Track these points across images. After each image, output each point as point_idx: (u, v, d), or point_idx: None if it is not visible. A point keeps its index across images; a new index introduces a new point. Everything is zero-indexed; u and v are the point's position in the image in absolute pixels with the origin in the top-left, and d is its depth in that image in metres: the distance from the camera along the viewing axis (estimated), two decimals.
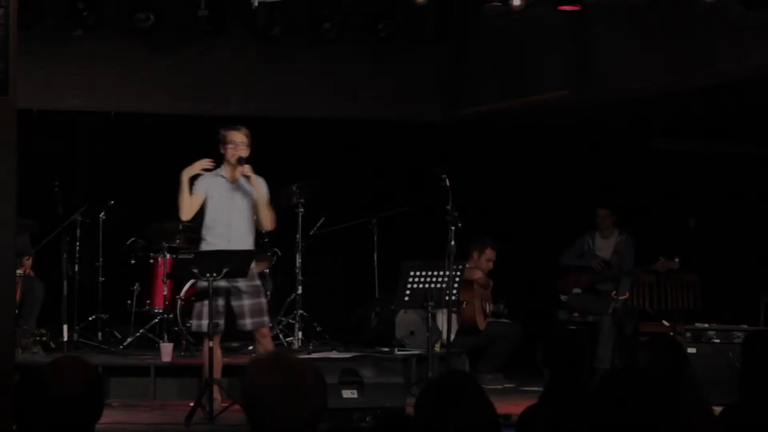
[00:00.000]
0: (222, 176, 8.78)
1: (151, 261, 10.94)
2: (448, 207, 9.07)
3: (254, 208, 8.75)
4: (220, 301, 8.67)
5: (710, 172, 13.19)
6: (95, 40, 11.26)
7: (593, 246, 11.79)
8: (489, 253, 11.52)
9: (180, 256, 10.19)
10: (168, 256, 10.80)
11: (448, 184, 9.09)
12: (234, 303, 8.71)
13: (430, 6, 10.89)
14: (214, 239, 8.74)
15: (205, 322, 8.64)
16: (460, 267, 9.38)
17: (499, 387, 10.99)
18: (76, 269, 10.91)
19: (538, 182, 12.75)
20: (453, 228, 9.03)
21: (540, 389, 5.48)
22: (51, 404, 3.42)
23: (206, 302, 8.60)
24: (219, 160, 8.87)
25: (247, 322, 8.71)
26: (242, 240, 8.71)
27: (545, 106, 11.42)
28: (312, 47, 11.75)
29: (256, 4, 9.73)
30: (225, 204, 8.72)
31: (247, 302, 8.69)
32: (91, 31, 11.15)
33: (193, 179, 8.80)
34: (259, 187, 8.65)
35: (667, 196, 13.02)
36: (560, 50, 10.87)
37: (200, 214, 8.70)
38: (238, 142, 8.72)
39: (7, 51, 6.11)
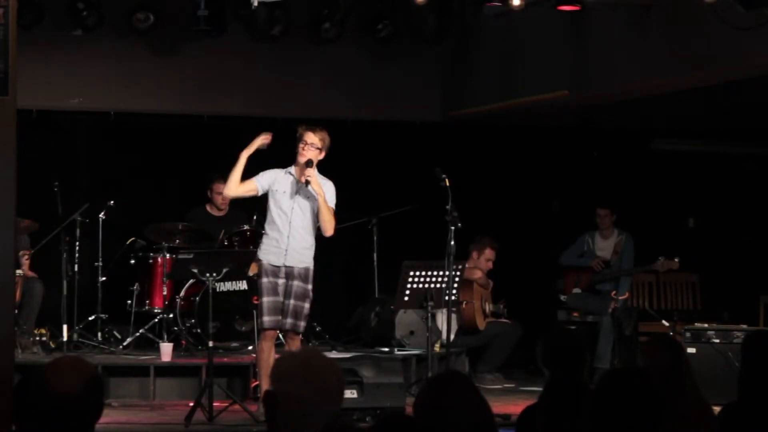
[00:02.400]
0: (291, 173, 8.75)
1: (151, 261, 10.94)
2: (448, 207, 9.08)
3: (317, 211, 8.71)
4: (279, 298, 8.64)
5: (710, 172, 13.19)
6: (95, 40, 11.26)
7: (593, 246, 11.79)
8: (488, 253, 11.53)
9: (180, 256, 10.18)
10: (168, 256, 10.80)
11: (447, 184, 9.10)
12: (285, 301, 8.64)
13: (430, 6, 10.88)
14: (274, 233, 8.69)
15: (266, 318, 8.61)
16: (460, 267, 9.39)
17: (499, 387, 11.00)
18: (76, 269, 10.90)
19: (538, 182, 12.75)
20: (453, 228, 9.04)
21: (540, 389, 5.48)
22: (51, 404, 3.42)
23: (265, 299, 8.59)
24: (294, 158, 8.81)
25: (287, 322, 8.64)
26: (301, 238, 8.67)
27: (545, 106, 11.42)
28: (312, 47, 11.75)
29: (256, 4, 9.72)
30: (288, 201, 8.69)
31: (292, 302, 8.63)
32: (91, 31, 11.15)
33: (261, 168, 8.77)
34: (321, 191, 8.61)
35: (667, 196, 13.02)
36: (560, 50, 10.87)
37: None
38: (308, 143, 8.69)
39: (7, 51, 6.10)
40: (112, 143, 11.85)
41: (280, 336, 8.96)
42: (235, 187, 8.72)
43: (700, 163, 13.20)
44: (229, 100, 11.83)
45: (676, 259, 11.33)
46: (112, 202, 10.88)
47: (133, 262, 10.97)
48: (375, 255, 11.72)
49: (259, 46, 11.64)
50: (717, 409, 4.80)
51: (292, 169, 8.77)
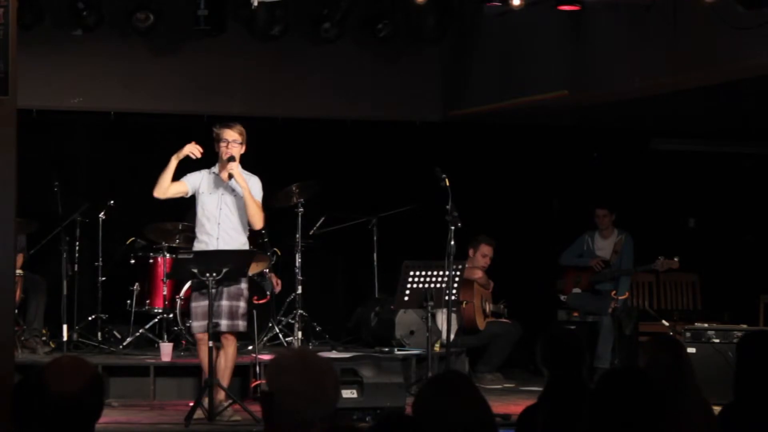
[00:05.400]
0: (215, 174, 8.78)
1: (151, 261, 10.93)
2: (448, 207, 9.08)
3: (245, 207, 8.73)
4: (207, 302, 8.64)
5: (710, 172, 13.20)
6: (95, 40, 11.26)
7: (593, 246, 11.79)
8: (484, 249, 11.52)
9: (179, 256, 10.18)
10: (167, 256, 10.80)
11: (447, 184, 9.10)
12: (214, 302, 8.65)
13: (430, 6, 10.88)
14: (204, 237, 8.76)
15: (195, 323, 8.66)
16: (460, 267, 9.39)
17: (499, 387, 10.99)
18: (76, 269, 10.90)
19: (538, 182, 12.75)
20: (453, 228, 9.04)
21: (540, 389, 5.48)
22: (51, 404, 3.42)
23: (193, 304, 8.66)
24: (215, 159, 8.87)
25: (223, 323, 8.64)
26: (231, 239, 8.70)
27: (545, 106, 11.42)
28: (312, 47, 11.76)
29: (256, 4, 9.72)
30: (215, 202, 8.73)
31: (225, 303, 8.65)
32: (91, 31, 11.15)
33: (186, 169, 8.77)
34: (245, 184, 8.62)
35: (667, 196, 13.02)
36: (560, 50, 10.87)
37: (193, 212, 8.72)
38: (229, 140, 8.72)
39: (7, 51, 6.11)
40: (112, 143, 11.86)
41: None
42: (165, 189, 8.72)
43: (700, 163, 13.21)
44: (229, 100, 11.83)
45: (676, 259, 11.33)
46: (112, 202, 10.89)
47: (133, 262, 10.96)
48: (375, 255, 11.71)
49: (259, 46, 11.63)
50: (717, 409, 4.81)
51: (216, 168, 8.79)
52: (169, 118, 11.82)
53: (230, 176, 8.62)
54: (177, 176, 8.79)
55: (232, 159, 8.64)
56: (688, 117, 12.30)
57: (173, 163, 8.68)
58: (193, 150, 8.69)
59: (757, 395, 4.58)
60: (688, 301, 12.72)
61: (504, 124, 12.51)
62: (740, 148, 13.25)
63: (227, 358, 8.67)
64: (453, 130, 12.50)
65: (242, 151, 8.76)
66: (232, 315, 8.64)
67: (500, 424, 4.11)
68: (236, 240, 8.72)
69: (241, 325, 8.70)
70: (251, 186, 8.68)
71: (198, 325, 8.68)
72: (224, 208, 8.70)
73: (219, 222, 8.71)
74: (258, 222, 8.72)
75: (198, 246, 8.78)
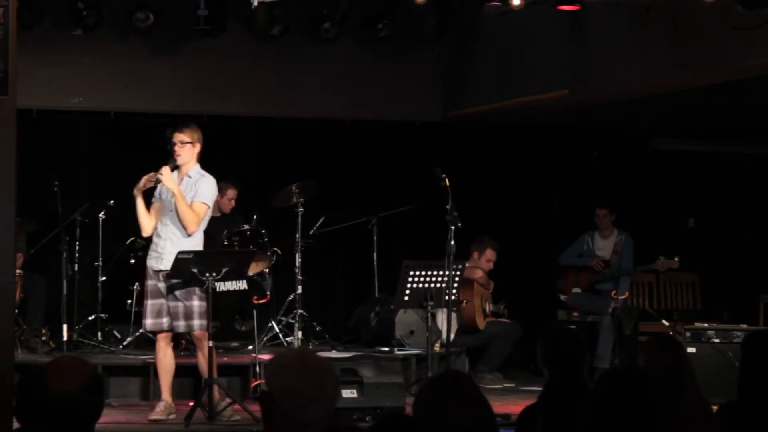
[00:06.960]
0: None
1: None
2: (448, 207, 9.08)
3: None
4: (162, 300, 8.65)
5: (710, 172, 13.20)
6: (95, 40, 11.26)
7: (593, 246, 11.80)
8: (489, 254, 11.53)
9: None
10: None
11: (447, 184, 9.10)
12: (170, 303, 8.66)
13: (429, 6, 10.88)
14: (155, 237, 8.79)
15: (147, 321, 8.69)
16: (460, 267, 9.39)
17: (499, 387, 10.99)
18: (76, 269, 10.90)
19: (538, 182, 12.75)
20: (453, 228, 9.05)
21: (540, 389, 5.49)
22: (51, 404, 3.43)
23: (148, 302, 8.69)
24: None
25: (180, 324, 8.67)
26: (178, 240, 8.67)
27: (545, 106, 11.43)
28: (312, 47, 11.76)
29: (255, 4, 9.72)
30: (167, 205, 8.75)
31: (180, 304, 8.64)
32: (91, 31, 11.16)
33: (151, 192, 8.78)
34: (175, 188, 8.57)
35: (666, 196, 13.02)
36: (560, 50, 10.87)
37: None
38: (176, 142, 8.72)
39: (7, 51, 6.11)
40: (112, 143, 11.85)
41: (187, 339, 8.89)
42: (148, 225, 8.76)
43: (700, 163, 13.21)
44: (229, 100, 11.83)
45: (676, 258, 11.33)
46: (112, 202, 10.88)
47: (133, 261, 10.96)
48: (375, 255, 11.71)
49: (259, 46, 11.63)
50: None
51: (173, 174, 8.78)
52: (169, 118, 11.78)
53: (158, 180, 8.62)
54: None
55: (172, 161, 8.63)
56: (688, 117, 12.30)
57: (139, 199, 8.70)
58: (150, 179, 8.66)
59: (760, 395, 4.58)
60: (688, 301, 12.73)
61: (504, 124, 12.51)
62: (740, 148, 13.25)
63: (203, 356, 8.67)
64: (453, 130, 12.50)
65: (196, 150, 8.76)
66: (188, 315, 8.62)
67: (500, 424, 4.11)
68: (181, 242, 8.68)
69: (197, 324, 8.63)
70: (199, 188, 8.66)
71: (151, 323, 8.71)
72: (172, 212, 8.70)
73: (167, 224, 8.72)
74: (189, 226, 8.65)
75: (151, 246, 8.82)
